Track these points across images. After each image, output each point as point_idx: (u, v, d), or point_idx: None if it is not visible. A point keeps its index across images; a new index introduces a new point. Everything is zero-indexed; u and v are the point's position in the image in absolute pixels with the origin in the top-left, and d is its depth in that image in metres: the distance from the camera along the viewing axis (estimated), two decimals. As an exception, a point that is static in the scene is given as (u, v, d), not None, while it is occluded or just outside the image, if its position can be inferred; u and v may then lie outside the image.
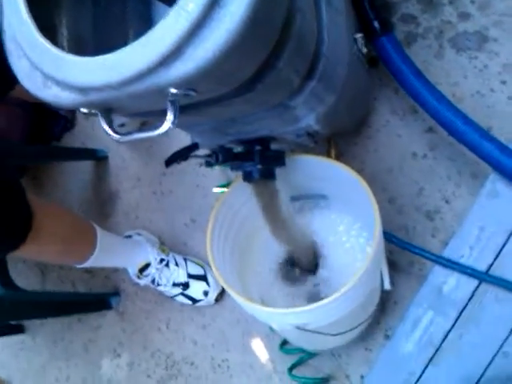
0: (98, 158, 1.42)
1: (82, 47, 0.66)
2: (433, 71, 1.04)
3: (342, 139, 1.08)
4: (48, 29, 0.57)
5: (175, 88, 0.50)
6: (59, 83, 0.55)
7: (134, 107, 0.58)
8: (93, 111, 0.56)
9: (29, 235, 0.87)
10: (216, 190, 1.23)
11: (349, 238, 0.96)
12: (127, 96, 0.52)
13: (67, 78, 0.53)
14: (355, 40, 0.90)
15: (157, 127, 0.53)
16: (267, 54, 0.54)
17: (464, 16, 1.03)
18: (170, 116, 0.52)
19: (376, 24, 0.96)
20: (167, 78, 0.49)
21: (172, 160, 0.70)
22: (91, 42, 0.69)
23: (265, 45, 0.53)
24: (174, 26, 0.47)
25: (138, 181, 1.37)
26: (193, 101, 0.56)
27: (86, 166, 1.44)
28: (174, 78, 0.49)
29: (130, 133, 0.54)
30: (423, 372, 0.89)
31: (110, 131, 0.55)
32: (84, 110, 0.55)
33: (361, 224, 0.94)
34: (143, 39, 0.48)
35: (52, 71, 0.54)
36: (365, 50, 0.92)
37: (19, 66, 0.59)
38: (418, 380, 0.88)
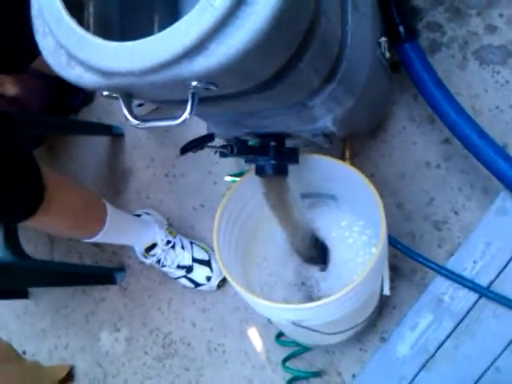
0: (113, 134, 1.43)
1: (107, 28, 0.67)
2: (454, 81, 1.03)
3: (356, 141, 1.08)
4: (75, 6, 0.58)
5: (196, 81, 0.51)
6: (83, 64, 0.56)
7: (154, 95, 0.59)
8: (114, 95, 0.57)
9: (40, 207, 0.88)
10: (228, 178, 1.24)
11: (351, 233, 0.97)
12: (149, 84, 0.53)
13: (91, 60, 0.54)
14: (379, 44, 0.90)
15: (175, 117, 0.54)
16: (290, 54, 0.55)
17: (491, 29, 1.03)
18: (188, 107, 0.53)
19: (401, 29, 0.96)
20: (189, 71, 0.50)
21: (187, 148, 0.71)
22: (117, 23, 0.69)
23: (288, 46, 0.53)
24: (200, 20, 0.48)
25: (152, 161, 1.39)
26: (213, 94, 0.57)
27: (101, 142, 1.46)
28: (196, 72, 0.50)
29: (148, 120, 0.56)
30: (415, 377, 0.90)
31: (129, 116, 0.56)
32: (105, 93, 0.57)
33: (364, 222, 0.95)
34: (169, 30, 0.49)
35: (77, 52, 0.55)
36: (388, 55, 0.92)
37: (44, 43, 0.59)
38: (408, 385, 0.90)
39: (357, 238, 0.96)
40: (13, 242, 1.10)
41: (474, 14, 1.04)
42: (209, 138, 0.71)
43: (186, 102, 0.54)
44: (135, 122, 0.55)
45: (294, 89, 0.65)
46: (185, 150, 0.73)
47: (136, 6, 0.73)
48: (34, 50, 0.89)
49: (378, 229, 0.78)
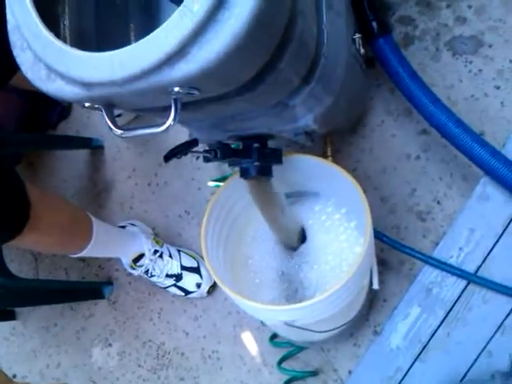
0: (93, 147, 1.42)
1: (84, 39, 0.66)
2: (429, 73, 1.05)
3: (337, 137, 1.09)
4: (50, 19, 0.57)
5: (179, 87, 0.51)
6: (63, 77, 0.55)
7: (136, 103, 0.59)
8: (95, 106, 0.57)
9: (26, 226, 0.87)
10: (211, 183, 1.24)
11: (335, 226, 0.97)
12: (131, 92, 0.53)
13: (71, 72, 0.53)
14: (354, 40, 0.91)
15: (159, 124, 0.54)
16: (269, 55, 0.55)
17: (460, 20, 1.05)
18: (172, 113, 0.53)
19: (374, 25, 0.97)
20: (171, 77, 0.50)
21: (171, 155, 0.71)
22: (93, 34, 0.69)
23: (267, 47, 0.54)
24: (179, 26, 0.48)
25: (133, 171, 1.38)
26: (195, 99, 0.57)
27: (81, 155, 1.44)
28: (178, 78, 0.50)
29: (132, 129, 0.55)
30: (410, 368, 0.91)
31: (112, 126, 0.56)
32: (87, 105, 0.56)
33: (349, 215, 0.95)
34: (148, 38, 0.49)
35: (56, 64, 0.54)
36: (363, 51, 0.93)
37: (23, 58, 0.59)
38: (404, 375, 0.91)
39: (341, 231, 0.96)
40: (-2, 263, 1.09)
41: (444, 7, 1.06)
42: (193, 143, 0.71)
43: (168, 108, 0.54)
44: (119, 131, 0.55)
45: (275, 89, 0.65)
46: (168, 156, 0.73)
47: (110, 13, 0.73)
48: (11, 67, 0.88)
49: (363, 220, 0.79)
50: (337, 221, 0.97)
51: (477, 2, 1.04)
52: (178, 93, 0.52)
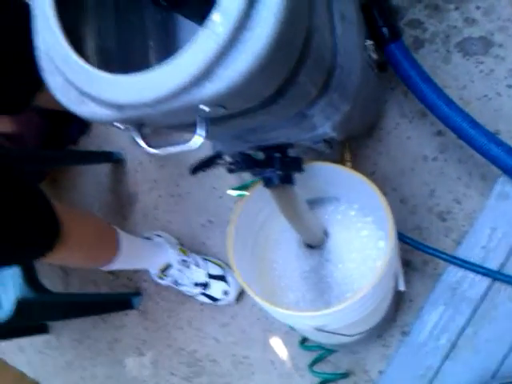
0: (114, 160, 1.46)
1: (107, 58, 0.69)
2: (440, 75, 1.07)
3: (354, 142, 1.12)
4: (75, 41, 0.60)
5: (206, 105, 0.54)
6: (95, 99, 0.58)
7: (165, 121, 0.62)
8: (127, 126, 0.60)
9: (57, 242, 0.90)
10: (230, 192, 1.27)
11: (356, 229, 0.99)
12: (160, 112, 0.56)
13: (103, 95, 0.56)
14: (366, 47, 0.94)
15: (188, 141, 0.57)
16: (289, 71, 0.58)
17: (469, 21, 1.07)
18: (200, 131, 0.56)
19: (385, 31, 0.99)
20: (199, 97, 0.53)
21: (198, 168, 0.75)
22: (115, 52, 0.72)
23: (287, 64, 0.57)
24: (205, 48, 0.51)
25: (155, 183, 1.42)
26: (220, 115, 0.60)
27: (103, 169, 1.49)
28: (205, 97, 0.53)
29: (163, 146, 0.59)
30: (440, 366, 0.92)
31: (144, 145, 0.59)
32: (119, 125, 0.60)
33: (371, 217, 0.97)
34: (176, 60, 0.52)
35: (87, 88, 0.57)
36: (375, 57, 0.96)
37: (53, 81, 0.61)
38: (435, 374, 0.92)
39: (360, 227, 0.99)
40: (32, 279, 1.12)
41: (453, 9, 1.08)
42: (218, 156, 0.74)
43: (195, 124, 0.57)
44: (151, 150, 0.58)
45: (295, 101, 0.68)
46: (195, 169, 0.76)
47: (130, 33, 0.76)
48: (34, 88, 0.92)
49: (384, 222, 0.81)
50: (354, 217, 1.00)
51: (485, 3, 1.06)
52: (205, 111, 0.55)
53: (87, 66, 0.56)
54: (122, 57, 0.72)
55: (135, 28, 0.77)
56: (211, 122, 0.62)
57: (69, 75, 0.57)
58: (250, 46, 0.50)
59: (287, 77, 0.59)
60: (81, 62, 0.57)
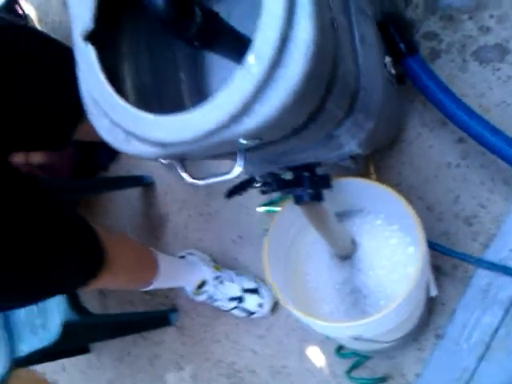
0: (144, 184, 1.51)
1: (143, 93, 0.74)
2: (458, 84, 1.10)
3: (378, 154, 1.15)
4: (113, 80, 0.65)
5: (244, 139, 0.58)
6: (139, 139, 0.63)
7: (205, 154, 0.67)
8: (170, 161, 0.64)
9: (101, 270, 0.94)
10: (259, 209, 1.31)
11: (385, 237, 1.02)
12: (201, 147, 0.60)
13: (148, 135, 0.61)
14: (385, 64, 0.97)
15: (228, 172, 0.62)
16: (319, 100, 0.62)
17: (484, 30, 1.10)
18: (239, 161, 0.61)
19: (402, 46, 1.03)
20: (237, 132, 0.57)
21: (233, 192, 0.79)
22: (151, 86, 0.77)
23: (317, 94, 0.61)
24: (241, 88, 0.55)
25: (185, 203, 1.47)
26: (256, 144, 0.64)
27: (134, 193, 1.54)
28: (243, 132, 0.57)
29: (206, 178, 0.63)
30: (476, 368, 0.95)
31: (187, 177, 0.63)
32: (163, 161, 0.64)
33: (397, 225, 1.00)
34: (215, 101, 0.56)
35: (133, 129, 0.62)
36: (394, 72, 0.99)
37: (100, 124, 0.66)
38: (471, 376, 0.95)
39: (387, 235, 1.02)
40: (75, 302, 1.18)
41: (467, 19, 1.11)
42: (252, 180, 0.79)
43: (232, 153, 0.62)
44: (196, 182, 0.63)
45: (323, 125, 0.72)
46: (231, 193, 0.81)
47: (163, 68, 0.81)
48: (74, 124, 0.97)
49: (410, 228, 0.84)
50: (380, 226, 1.03)
51: (498, 11, 1.09)
52: (243, 144, 0.59)
53: (132, 109, 0.61)
54: (156, 89, 0.77)
55: (167, 61, 0.82)
56: (246, 150, 0.66)
57: (115, 117, 0.62)
58: (283, 83, 0.54)
59: (317, 105, 0.63)
60: (126, 105, 0.61)
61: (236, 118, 0.56)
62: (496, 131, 0.94)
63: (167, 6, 0.49)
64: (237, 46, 0.61)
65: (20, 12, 1.63)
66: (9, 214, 0.77)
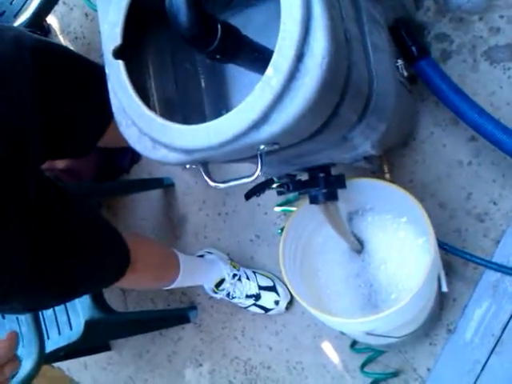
0: (165, 185, 1.55)
1: (168, 103, 0.78)
2: (469, 84, 1.12)
3: (391, 153, 1.18)
4: (140, 91, 0.69)
5: (263, 144, 0.62)
6: (167, 146, 0.67)
7: (226, 158, 0.71)
8: (194, 166, 0.68)
9: (128, 268, 0.99)
10: (276, 209, 1.35)
11: (395, 233, 1.05)
12: (224, 153, 0.64)
13: (174, 142, 0.65)
14: (397, 67, 1.00)
15: (249, 176, 0.65)
16: (333, 107, 0.65)
17: (494, 30, 1.12)
18: (259, 165, 0.64)
19: (414, 49, 1.05)
20: (257, 138, 0.60)
21: (252, 194, 0.82)
22: (175, 97, 0.81)
23: (332, 101, 0.64)
24: (261, 98, 0.58)
25: (204, 203, 1.50)
26: (274, 149, 0.68)
27: (155, 194, 1.58)
28: (263, 138, 0.60)
29: (227, 181, 0.67)
30: (487, 361, 0.98)
31: (210, 181, 0.67)
32: (188, 166, 0.68)
33: (406, 219, 1.03)
34: (237, 109, 0.60)
35: (160, 137, 0.66)
36: (406, 74, 1.02)
37: (129, 133, 0.70)
38: (483, 368, 0.98)
39: (395, 227, 1.05)
40: (99, 300, 1.22)
41: (477, 20, 1.13)
42: (270, 182, 0.82)
43: (252, 157, 0.65)
44: (218, 185, 0.66)
45: (338, 129, 0.75)
46: (249, 195, 0.84)
47: (185, 79, 0.85)
48: (99, 133, 1.01)
49: (419, 220, 0.86)
50: (389, 220, 1.06)
51: (508, 12, 1.11)
52: (262, 149, 0.63)
53: (160, 120, 0.65)
54: (179, 99, 0.81)
55: (189, 72, 0.85)
56: (266, 155, 0.70)
57: (143, 128, 0.66)
58: (300, 93, 0.58)
59: (331, 111, 0.66)
60: (154, 116, 0.65)
61: (256, 125, 0.60)
62: (507, 130, 0.96)
63: (191, 25, 0.53)
64: (257, 57, 0.65)
65: (43, 23, 1.68)
66: (49, 221, 0.81)
